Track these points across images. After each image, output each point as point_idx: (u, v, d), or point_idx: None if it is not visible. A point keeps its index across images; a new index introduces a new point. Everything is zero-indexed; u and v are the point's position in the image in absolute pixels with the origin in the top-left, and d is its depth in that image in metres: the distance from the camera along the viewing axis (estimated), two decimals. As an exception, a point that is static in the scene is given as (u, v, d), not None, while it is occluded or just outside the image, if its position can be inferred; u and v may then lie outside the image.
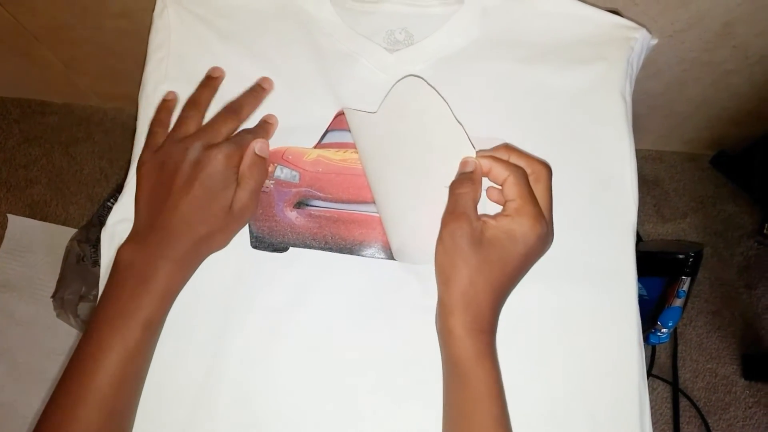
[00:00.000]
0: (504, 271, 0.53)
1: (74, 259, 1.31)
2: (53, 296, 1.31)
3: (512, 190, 0.54)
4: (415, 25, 0.71)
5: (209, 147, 0.59)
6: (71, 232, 1.38)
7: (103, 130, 1.52)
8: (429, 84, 0.62)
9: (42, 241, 1.45)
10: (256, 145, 0.62)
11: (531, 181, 0.55)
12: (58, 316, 1.31)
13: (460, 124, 0.58)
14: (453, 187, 0.55)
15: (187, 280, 0.60)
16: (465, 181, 0.55)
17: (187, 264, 0.59)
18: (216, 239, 0.61)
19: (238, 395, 0.60)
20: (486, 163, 0.55)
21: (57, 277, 1.33)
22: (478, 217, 0.53)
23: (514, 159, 0.56)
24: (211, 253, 0.62)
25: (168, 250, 0.57)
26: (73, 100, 1.55)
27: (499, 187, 0.56)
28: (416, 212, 0.60)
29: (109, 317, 0.55)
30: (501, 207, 0.56)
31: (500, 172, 0.55)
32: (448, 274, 0.53)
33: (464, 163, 0.57)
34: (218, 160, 0.58)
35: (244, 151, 0.61)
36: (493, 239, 0.52)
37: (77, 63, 1.31)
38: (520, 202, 0.53)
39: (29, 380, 1.34)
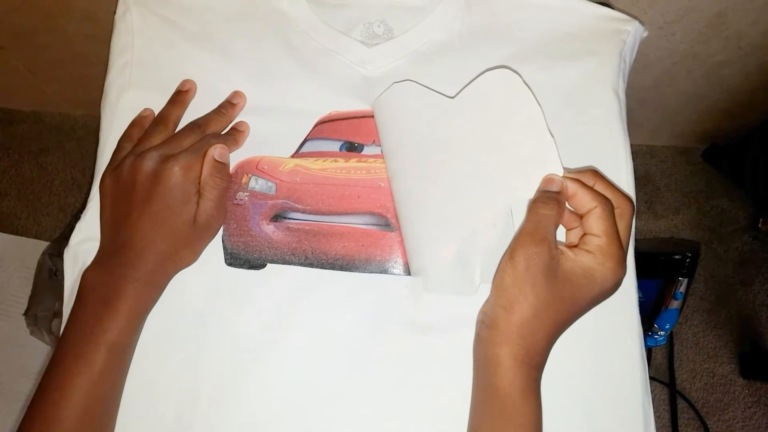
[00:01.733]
0: (571, 310, 0.50)
1: (47, 274, 1.28)
2: (26, 313, 1.27)
3: (598, 224, 0.49)
4: (394, 18, 0.68)
5: (166, 158, 0.57)
6: (43, 245, 1.35)
7: (74, 138, 1.50)
8: (525, 83, 0.57)
9: (13, 256, 1.42)
10: (215, 151, 0.59)
11: (615, 217, 0.50)
12: (31, 333, 1.28)
13: (552, 135, 0.53)
14: (536, 206, 0.51)
15: (156, 299, 0.58)
16: (550, 202, 0.50)
17: (153, 283, 0.57)
18: (182, 256, 0.58)
19: (215, 421, 0.57)
20: (572, 187, 0.51)
21: (30, 292, 1.30)
22: (557, 245, 0.49)
23: (600, 187, 0.52)
24: (179, 270, 0.59)
25: (131, 271, 0.55)
26: (41, 107, 1.52)
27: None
28: (466, 222, 0.56)
29: (73, 343, 0.53)
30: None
31: (587, 201, 0.50)
32: (513, 301, 0.49)
33: (549, 180, 0.52)
34: (175, 172, 0.56)
35: (203, 159, 0.59)
36: (570, 274, 0.48)
37: (43, 69, 1.29)
38: (605, 240, 0.49)
39: (3, 399, 1.31)
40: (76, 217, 1.26)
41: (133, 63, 0.67)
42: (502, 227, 0.54)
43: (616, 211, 0.51)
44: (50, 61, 1.23)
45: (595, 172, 0.53)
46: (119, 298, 0.53)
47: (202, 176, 0.58)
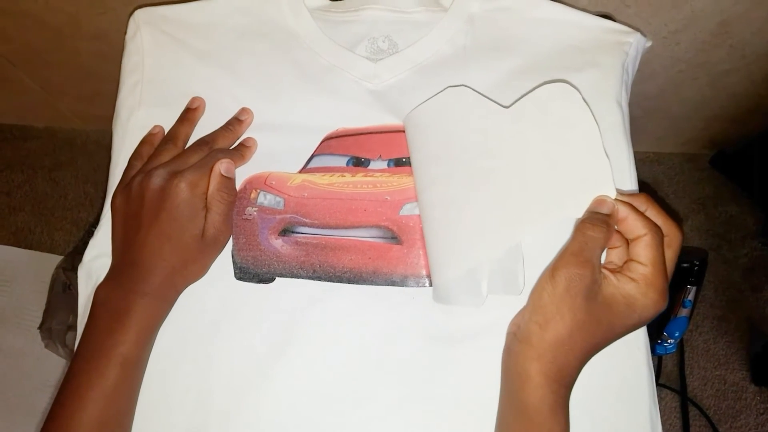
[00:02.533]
0: (606, 335, 0.49)
1: (60, 288, 1.28)
2: (40, 327, 1.28)
3: (646, 253, 0.48)
4: (398, 33, 0.69)
5: (173, 175, 0.57)
6: (57, 259, 1.36)
7: (87, 153, 1.51)
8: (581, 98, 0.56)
9: (27, 270, 1.43)
10: (222, 166, 0.60)
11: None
12: (46, 346, 1.28)
13: (608, 156, 0.52)
14: (584, 227, 0.50)
15: (166, 314, 0.59)
16: (599, 224, 0.49)
17: (163, 298, 0.58)
18: (191, 270, 0.59)
19: None
20: (623, 211, 0.50)
21: (44, 306, 1.30)
22: (601, 269, 0.49)
23: (651, 213, 0.51)
24: (188, 284, 0.60)
25: (141, 285, 0.56)
26: (54, 123, 1.53)
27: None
28: (506, 234, 0.55)
29: (86, 357, 0.54)
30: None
31: (637, 227, 0.49)
32: (549, 319, 0.48)
33: (601, 202, 0.51)
34: (181, 188, 0.57)
35: (210, 175, 0.60)
36: (610, 300, 0.48)
37: (55, 86, 1.30)
38: (651, 270, 0.48)
39: (19, 413, 1.32)
40: (89, 231, 1.28)
41: (144, 82, 0.68)
42: (530, 242, 0.55)
43: (665, 240, 0.49)
44: (62, 79, 1.24)
45: (648, 198, 0.52)
46: (130, 312, 0.54)
47: (209, 191, 0.59)
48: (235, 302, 0.61)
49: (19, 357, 1.35)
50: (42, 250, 1.45)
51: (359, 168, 0.65)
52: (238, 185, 0.63)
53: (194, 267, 0.59)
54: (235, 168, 0.63)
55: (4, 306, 1.39)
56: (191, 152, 0.61)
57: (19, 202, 1.49)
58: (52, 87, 1.30)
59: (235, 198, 0.62)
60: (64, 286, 1.28)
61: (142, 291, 0.55)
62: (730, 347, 1.32)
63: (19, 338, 1.36)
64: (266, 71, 0.68)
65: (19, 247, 1.45)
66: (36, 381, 1.33)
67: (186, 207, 0.57)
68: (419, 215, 0.60)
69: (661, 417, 1.24)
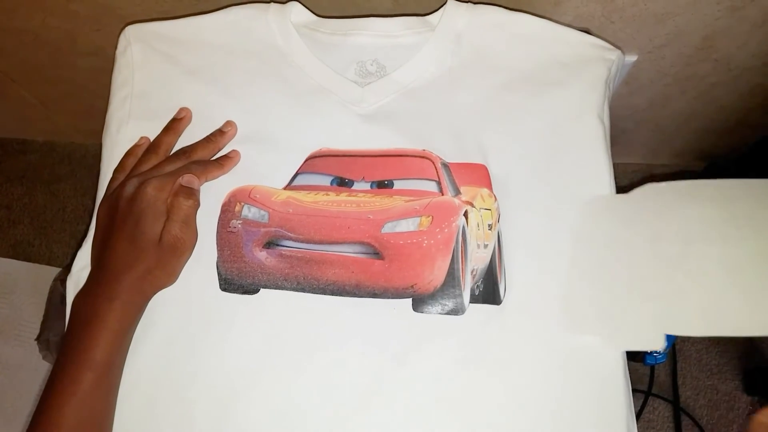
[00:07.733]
0: None
1: (58, 300, 1.29)
2: (38, 338, 1.29)
3: None
4: (386, 56, 0.70)
5: (144, 182, 0.59)
6: (55, 271, 1.37)
7: (85, 167, 1.52)
8: None
9: (26, 282, 1.44)
10: (183, 178, 0.61)
11: None
12: (44, 358, 1.29)
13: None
14: None
15: (136, 318, 0.59)
16: None
17: (130, 303, 0.58)
18: (156, 275, 0.59)
19: None
20: None
21: (42, 318, 1.31)
22: None
23: None
24: (157, 290, 0.61)
25: (110, 291, 0.57)
26: (54, 137, 1.55)
27: None
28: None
29: (62, 365, 0.55)
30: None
31: None
32: None
33: None
34: (147, 192, 0.58)
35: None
36: None
37: (54, 101, 1.31)
38: None
39: (17, 424, 1.32)
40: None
41: (133, 96, 0.70)
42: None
43: None
44: (61, 94, 1.25)
45: None
46: (98, 317, 0.55)
47: (170, 198, 0.60)
48: (221, 313, 0.62)
49: (16, 368, 1.36)
50: (41, 263, 1.46)
51: (343, 188, 0.66)
52: (223, 198, 0.64)
53: (159, 273, 0.59)
54: (214, 178, 0.64)
55: (3, 318, 1.40)
56: (168, 162, 0.63)
57: (19, 215, 1.50)
58: (51, 102, 1.31)
59: (195, 208, 0.62)
60: (61, 297, 1.29)
61: (110, 295, 0.56)
62: (722, 357, 1.31)
63: (17, 350, 1.37)
64: (254, 88, 0.69)
65: (18, 259, 1.46)
66: (33, 392, 1.33)
67: (150, 211, 0.58)
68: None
69: (654, 427, 1.25)
